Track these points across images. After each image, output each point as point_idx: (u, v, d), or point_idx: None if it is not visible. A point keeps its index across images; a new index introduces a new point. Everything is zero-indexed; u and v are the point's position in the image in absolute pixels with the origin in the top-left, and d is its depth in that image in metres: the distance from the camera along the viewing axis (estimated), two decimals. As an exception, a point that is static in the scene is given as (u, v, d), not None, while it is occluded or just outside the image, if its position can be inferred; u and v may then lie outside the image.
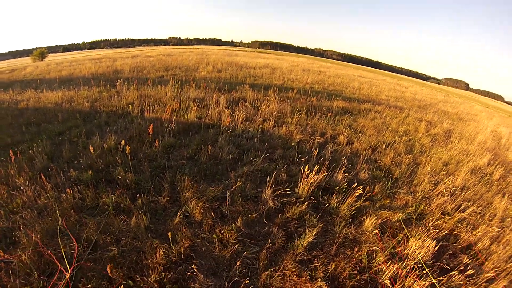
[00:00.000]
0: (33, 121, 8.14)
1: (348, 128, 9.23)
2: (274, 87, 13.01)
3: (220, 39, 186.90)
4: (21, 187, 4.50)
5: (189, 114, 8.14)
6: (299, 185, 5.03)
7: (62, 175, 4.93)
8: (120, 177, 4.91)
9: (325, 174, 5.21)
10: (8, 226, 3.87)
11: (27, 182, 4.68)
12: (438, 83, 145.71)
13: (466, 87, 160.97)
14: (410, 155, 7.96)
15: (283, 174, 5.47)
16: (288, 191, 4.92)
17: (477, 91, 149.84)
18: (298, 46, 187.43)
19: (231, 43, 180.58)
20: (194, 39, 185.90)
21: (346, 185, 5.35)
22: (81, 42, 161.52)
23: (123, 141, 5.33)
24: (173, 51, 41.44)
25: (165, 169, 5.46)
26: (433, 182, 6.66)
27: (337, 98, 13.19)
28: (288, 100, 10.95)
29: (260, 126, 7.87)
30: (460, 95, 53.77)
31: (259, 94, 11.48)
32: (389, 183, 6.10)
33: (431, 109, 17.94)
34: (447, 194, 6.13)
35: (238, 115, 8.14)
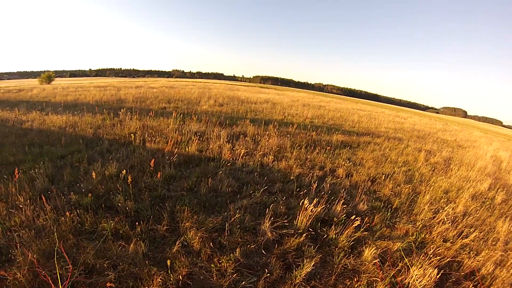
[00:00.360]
0: (36, 142, 8.29)
1: (347, 161, 9.34)
2: (274, 122, 13.34)
3: (223, 74, 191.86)
4: (21, 206, 4.57)
5: (190, 147, 8.32)
6: (298, 217, 5.09)
7: (62, 197, 5.01)
8: (120, 204, 4.98)
9: (323, 206, 5.32)
10: (4, 244, 3.89)
11: (27, 201, 4.74)
12: (437, 112, 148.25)
13: (464, 114, 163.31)
14: (409, 185, 8.01)
15: (282, 207, 5.54)
16: (286, 223, 4.98)
17: (475, 118, 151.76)
18: (298, 81, 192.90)
19: (233, 78, 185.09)
20: (197, 72, 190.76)
21: (344, 216, 5.39)
22: (88, 69, 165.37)
23: (124, 170, 5.48)
24: (176, 83, 42.67)
25: (165, 199, 5.53)
26: (433, 210, 6.67)
27: (336, 132, 13.49)
28: (288, 135, 11.19)
29: (260, 160, 8.01)
30: (459, 123, 54.68)
31: (260, 129, 11.73)
32: (389, 213, 6.13)
33: (430, 138, 18.26)
34: (448, 221, 6.13)
35: (238, 149, 8.35)
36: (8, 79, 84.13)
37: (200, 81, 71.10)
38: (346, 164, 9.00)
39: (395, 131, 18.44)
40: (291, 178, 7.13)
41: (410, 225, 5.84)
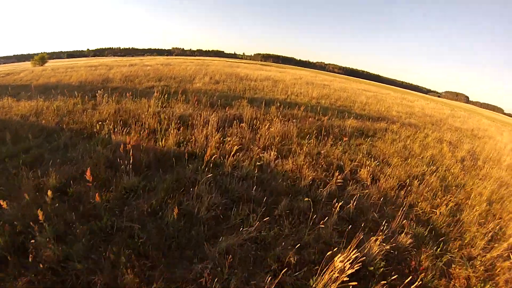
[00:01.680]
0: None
1: (369, 158, 7.31)
2: (276, 102, 11.14)
3: (223, 51, 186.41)
4: None
5: (166, 139, 6.24)
6: (318, 277, 3.06)
7: None
8: (35, 251, 2.99)
9: (355, 252, 3.20)
10: None
11: None
12: (439, 96, 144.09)
13: (466, 100, 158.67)
14: (448, 195, 6.05)
15: (290, 253, 3.42)
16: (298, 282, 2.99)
17: (476, 104, 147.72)
18: (300, 59, 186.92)
19: (234, 55, 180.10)
20: (197, 50, 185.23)
21: (384, 262, 3.45)
22: (86, 49, 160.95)
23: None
24: (173, 61, 39.92)
25: (112, 235, 3.53)
26: (484, 233, 4.81)
27: (348, 116, 11.38)
28: (294, 120, 8.98)
29: (259, 158, 5.90)
30: (464, 109, 51.72)
31: (259, 112, 9.57)
32: (438, 248, 4.19)
33: (443, 125, 16.29)
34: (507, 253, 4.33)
35: (230, 142, 6.23)
36: (4, 63, 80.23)
37: (200, 58, 67.90)
38: (368, 162, 6.94)
39: (408, 116, 16.38)
40: (302, 185, 5.10)
41: (469, 270, 3.96)
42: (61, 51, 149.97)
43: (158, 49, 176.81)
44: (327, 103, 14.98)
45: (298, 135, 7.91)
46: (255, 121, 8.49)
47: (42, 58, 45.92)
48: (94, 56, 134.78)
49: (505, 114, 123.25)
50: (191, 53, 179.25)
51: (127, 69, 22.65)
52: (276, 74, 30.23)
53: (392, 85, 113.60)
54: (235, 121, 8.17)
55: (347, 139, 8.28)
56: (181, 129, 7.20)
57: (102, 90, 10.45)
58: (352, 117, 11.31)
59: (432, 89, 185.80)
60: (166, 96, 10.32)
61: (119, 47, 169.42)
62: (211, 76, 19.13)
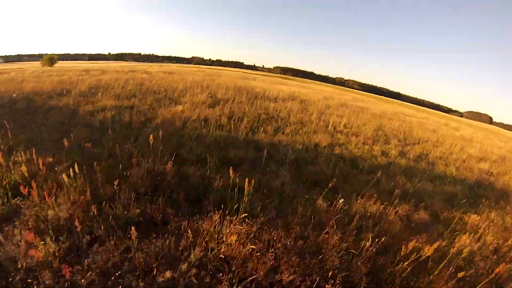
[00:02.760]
0: None
1: None
2: (320, 158, 5.19)
3: (243, 63, 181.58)
4: None
5: None
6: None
7: None
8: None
9: None
10: None
11: None
12: (461, 116, 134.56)
13: (490, 120, 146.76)
14: None
15: None
16: None
17: (500, 125, 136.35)
18: (319, 74, 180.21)
19: (253, 67, 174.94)
20: (216, 60, 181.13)
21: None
22: (107, 53, 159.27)
23: None
24: (180, 69, 34.44)
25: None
26: None
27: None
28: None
29: None
30: (502, 135, 43.23)
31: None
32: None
33: None
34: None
35: None
36: (27, 61, 77.47)
37: (215, 68, 62.55)
38: None
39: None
40: None
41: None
42: (84, 53, 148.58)
43: (178, 57, 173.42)
44: (396, 151, 8.75)
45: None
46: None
47: (51, 59, 41.76)
48: (114, 60, 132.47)
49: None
50: (211, 63, 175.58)
51: (116, 75, 17.50)
52: (299, 90, 24.06)
53: (414, 104, 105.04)
54: None
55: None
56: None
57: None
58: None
59: (453, 109, 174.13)
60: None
61: (140, 53, 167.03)
62: (213, 92, 13.21)
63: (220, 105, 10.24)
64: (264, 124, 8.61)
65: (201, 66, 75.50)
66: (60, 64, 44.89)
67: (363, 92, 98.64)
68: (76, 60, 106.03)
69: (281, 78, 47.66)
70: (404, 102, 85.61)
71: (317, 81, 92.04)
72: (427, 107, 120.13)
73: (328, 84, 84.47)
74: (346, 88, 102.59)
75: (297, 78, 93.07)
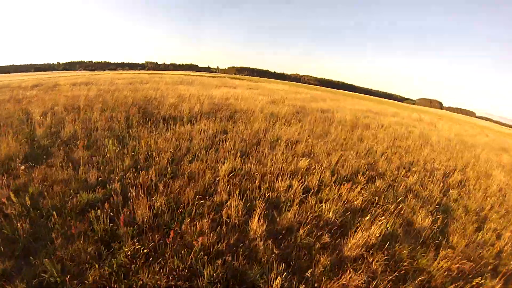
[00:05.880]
0: None
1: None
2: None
3: (197, 65, 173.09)
4: None
5: None
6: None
7: None
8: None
9: None
10: None
11: None
12: (413, 104, 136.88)
13: (440, 105, 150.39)
14: None
15: None
16: None
17: (449, 109, 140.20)
18: (274, 71, 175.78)
19: (208, 69, 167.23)
20: (171, 64, 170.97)
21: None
22: (56, 63, 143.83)
23: None
24: (102, 76, 27.36)
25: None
26: None
27: None
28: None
29: None
30: (451, 118, 40.62)
31: None
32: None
33: None
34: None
35: None
36: None
37: (156, 72, 55.08)
38: None
39: None
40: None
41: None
42: (30, 64, 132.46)
43: (131, 63, 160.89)
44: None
45: None
46: None
47: None
48: (63, 70, 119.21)
49: (477, 117, 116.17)
50: (165, 67, 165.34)
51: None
52: (243, 92, 18.47)
53: (370, 95, 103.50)
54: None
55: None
56: None
57: None
58: None
59: (406, 97, 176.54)
60: None
61: (91, 61, 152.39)
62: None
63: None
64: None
65: (142, 71, 67.43)
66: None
67: (317, 86, 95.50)
68: (24, 71, 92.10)
69: (230, 79, 41.65)
70: (360, 94, 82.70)
71: (271, 79, 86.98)
72: (382, 97, 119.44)
73: (282, 81, 79.46)
74: (303, 84, 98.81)
75: (251, 77, 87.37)
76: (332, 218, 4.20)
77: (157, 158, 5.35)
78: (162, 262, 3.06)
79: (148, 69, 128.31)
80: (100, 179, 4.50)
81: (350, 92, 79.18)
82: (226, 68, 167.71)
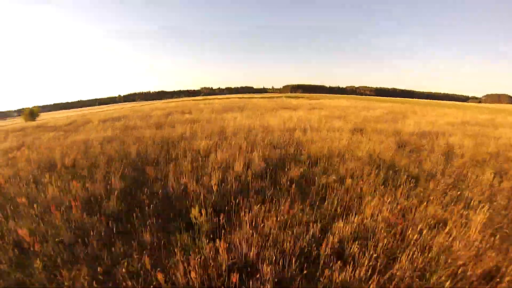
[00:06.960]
0: None
1: None
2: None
3: (252, 87, 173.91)
4: None
5: None
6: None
7: None
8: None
9: None
10: None
11: None
12: (479, 102, 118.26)
13: (510, 100, 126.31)
14: None
15: None
16: None
17: None
18: (330, 86, 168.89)
19: (263, 90, 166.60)
20: (226, 88, 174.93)
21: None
22: (117, 95, 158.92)
23: None
24: (142, 107, 24.99)
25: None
26: None
27: None
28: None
29: None
30: None
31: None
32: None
33: None
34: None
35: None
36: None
37: (208, 98, 53.26)
38: None
39: None
40: None
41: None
42: (96, 99, 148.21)
43: (186, 90, 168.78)
44: None
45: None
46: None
47: (31, 112, 33.98)
48: (124, 102, 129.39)
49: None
50: (220, 91, 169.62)
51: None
52: (306, 116, 13.82)
53: (432, 100, 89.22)
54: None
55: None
56: None
57: None
58: None
59: (470, 96, 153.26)
60: None
61: (149, 91, 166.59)
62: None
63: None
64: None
65: (199, 97, 66.84)
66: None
67: (380, 97, 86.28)
68: (90, 106, 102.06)
69: (286, 98, 37.42)
70: (432, 100, 71.40)
71: (329, 94, 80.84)
72: (445, 100, 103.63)
73: (342, 95, 72.88)
74: (360, 96, 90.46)
75: (308, 94, 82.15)
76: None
77: None
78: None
79: (203, 95, 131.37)
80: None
81: (423, 100, 69.00)
82: (281, 88, 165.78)
